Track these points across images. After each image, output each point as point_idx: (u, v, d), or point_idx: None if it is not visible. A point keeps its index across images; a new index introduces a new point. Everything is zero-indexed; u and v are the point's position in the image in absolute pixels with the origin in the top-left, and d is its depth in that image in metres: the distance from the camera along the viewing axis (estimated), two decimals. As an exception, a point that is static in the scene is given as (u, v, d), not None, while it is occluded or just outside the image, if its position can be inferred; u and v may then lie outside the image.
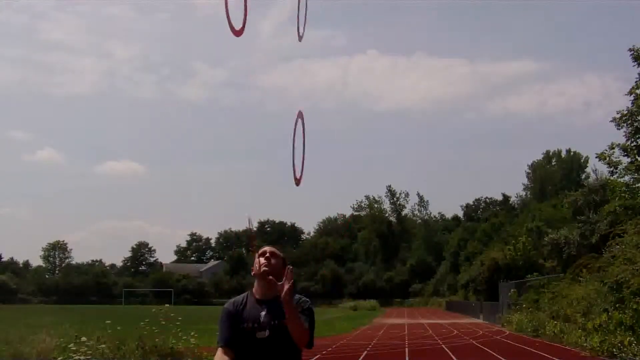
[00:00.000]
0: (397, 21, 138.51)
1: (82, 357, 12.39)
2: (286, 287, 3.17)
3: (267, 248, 3.49)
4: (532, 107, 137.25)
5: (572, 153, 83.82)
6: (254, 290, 3.47)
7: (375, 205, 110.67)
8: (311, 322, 3.34)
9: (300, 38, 3.59)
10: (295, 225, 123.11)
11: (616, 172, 21.92)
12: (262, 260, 3.42)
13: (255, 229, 3.31)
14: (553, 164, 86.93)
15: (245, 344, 3.30)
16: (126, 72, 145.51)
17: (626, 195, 21.95)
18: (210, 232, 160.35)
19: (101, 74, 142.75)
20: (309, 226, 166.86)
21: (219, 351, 3.33)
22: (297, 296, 3.36)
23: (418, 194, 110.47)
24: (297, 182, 3.53)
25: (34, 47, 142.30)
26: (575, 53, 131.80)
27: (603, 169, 45.56)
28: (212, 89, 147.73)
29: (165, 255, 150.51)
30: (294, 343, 3.29)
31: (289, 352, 3.32)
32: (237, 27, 3.42)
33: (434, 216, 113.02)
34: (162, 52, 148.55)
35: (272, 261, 3.42)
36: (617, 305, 18.42)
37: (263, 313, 3.32)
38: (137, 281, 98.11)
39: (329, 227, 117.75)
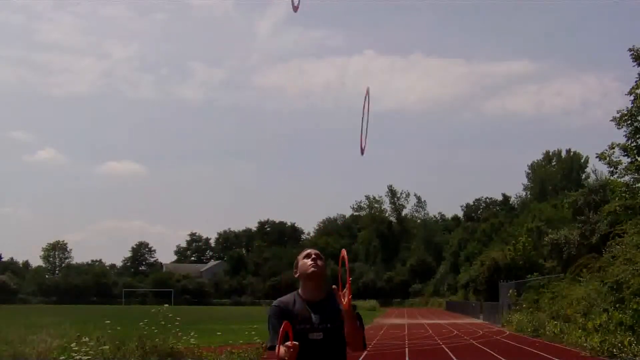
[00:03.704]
0: (394, 21, 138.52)
1: (83, 357, 12.39)
2: (347, 299, 3.27)
3: (311, 250, 3.56)
4: (531, 107, 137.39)
5: (572, 153, 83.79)
6: (300, 291, 3.52)
7: (375, 205, 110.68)
8: (362, 326, 3.47)
9: (295, 8, 3.51)
10: (295, 225, 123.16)
11: (616, 172, 21.90)
12: (309, 261, 3.48)
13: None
14: (553, 164, 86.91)
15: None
16: (124, 72, 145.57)
17: (626, 195, 21.94)
18: (210, 232, 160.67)
19: (100, 74, 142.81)
20: (309, 226, 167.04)
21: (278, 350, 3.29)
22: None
23: (415, 195, 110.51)
24: (362, 151, 3.60)
25: (32, 48, 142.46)
26: (572, 53, 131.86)
27: (603, 169, 45.68)
28: (210, 89, 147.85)
29: (165, 255, 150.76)
30: (344, 347, 3.41)
31: (339, 356, 3.40)
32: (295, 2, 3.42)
33: (434, 216, 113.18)
34: (160, 52, 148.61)
35: (319, 262, 3.49)
36: (617, 305, 18.42)
37: (314, 315, 3.37)
38: (137, 281, 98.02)
39: (329, 227, 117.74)
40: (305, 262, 3.49)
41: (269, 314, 3.43)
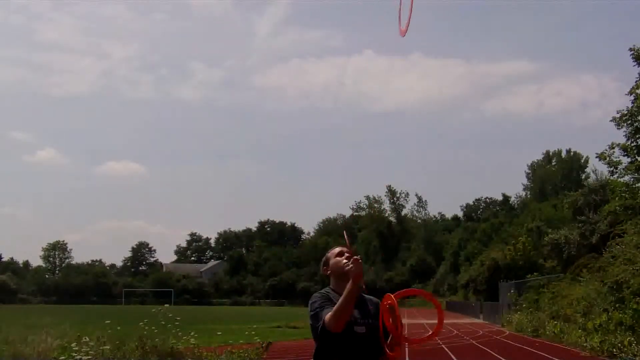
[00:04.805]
0: (393, 21, 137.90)
1: (83, 357, 12.39)
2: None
3: (343, 248, 3.60)
4: (531, 107, 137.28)
5: (572, 153, 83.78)
6: (333, 288, 3.53)
7: (375, 205, 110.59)
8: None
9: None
10: (295, 225, 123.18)
11: (616, 172, 21.93)
12: (344, 259, 3.50)
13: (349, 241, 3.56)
14: (553, 164, 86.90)
15: (343, 336, 3.33)
16: (124, 72, 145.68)
17: (626, 195, 21.95)
18: (210, 232, 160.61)
19: (99, 74, 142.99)
20: (309, 226, 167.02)
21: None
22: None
23: (416, 195, 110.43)
24: (403, 33, 3.48)
25: (31, 48, 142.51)
26: (572, 53, 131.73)
27: (603, 169, 45.70)
28: (209, 89, 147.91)
29: (165, 255, 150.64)
30: (383, 344, 3.39)
31: (380, 352, 3.40)
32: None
33: (434, 216, 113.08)
34: (159, 52, 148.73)
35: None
36: (617, 305, 18.42)
37: (355, 309, 3.38)
38: (137, 281, 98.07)
39: (329, 227, 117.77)
40: (339, 260, 3.51)
41: (313, 301, 3.44)
